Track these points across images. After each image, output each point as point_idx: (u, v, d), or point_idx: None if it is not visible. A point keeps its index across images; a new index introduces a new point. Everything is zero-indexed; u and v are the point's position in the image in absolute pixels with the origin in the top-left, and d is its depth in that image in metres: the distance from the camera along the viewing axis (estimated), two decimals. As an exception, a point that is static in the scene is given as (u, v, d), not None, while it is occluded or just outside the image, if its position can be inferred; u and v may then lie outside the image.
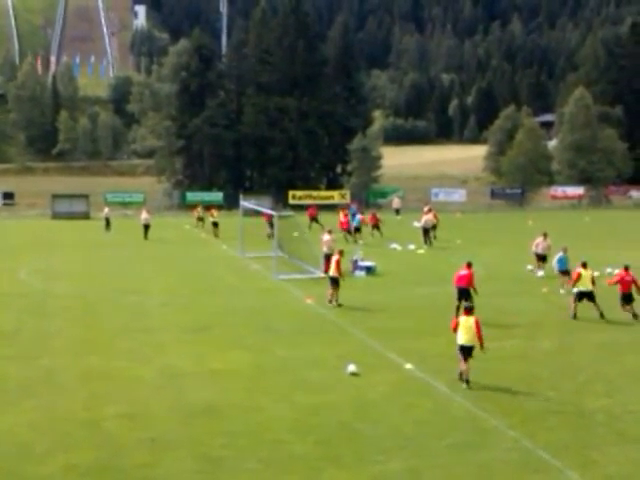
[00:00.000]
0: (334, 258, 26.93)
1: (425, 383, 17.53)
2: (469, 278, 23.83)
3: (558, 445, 13.76)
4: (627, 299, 24.35)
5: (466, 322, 17.32)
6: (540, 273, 32.25)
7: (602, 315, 24.17)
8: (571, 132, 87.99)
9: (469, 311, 17.62)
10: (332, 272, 26.64)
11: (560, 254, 28.56)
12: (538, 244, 32.61)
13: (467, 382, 17.15)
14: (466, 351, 17.23)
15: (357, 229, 44.99)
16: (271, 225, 46.61)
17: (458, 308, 22.76)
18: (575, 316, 24.30)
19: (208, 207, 56.03)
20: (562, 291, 28.00)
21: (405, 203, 70.19)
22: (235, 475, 12.66)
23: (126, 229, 51.99)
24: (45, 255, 40.20)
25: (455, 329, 17.55)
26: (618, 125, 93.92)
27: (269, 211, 42.02)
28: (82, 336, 22.31)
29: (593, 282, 24.47)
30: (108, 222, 52.64)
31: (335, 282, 26.59)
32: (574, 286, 24.56)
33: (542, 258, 32.44)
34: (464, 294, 23.53)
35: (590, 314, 24.45)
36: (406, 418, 15.28)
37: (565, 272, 28.17)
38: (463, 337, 17.28)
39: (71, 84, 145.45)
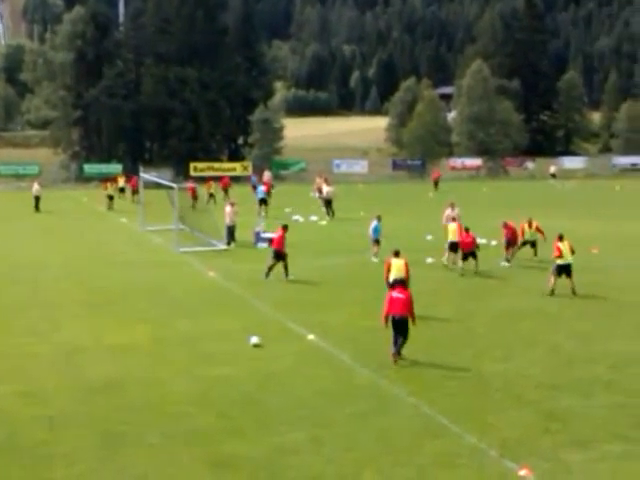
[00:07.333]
0: (278, 234, 26.22)
1: (328, 354, 17.63)
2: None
3: (457, 410, 14.05)
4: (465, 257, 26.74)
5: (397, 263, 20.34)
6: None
7: (574, 291, 23.11)
8: (469, 104, 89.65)
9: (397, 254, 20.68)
10: (276, 246, 25.94)
11: (375, 223, 29.24)
12: (448, 216, 32.71)
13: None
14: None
15: (263, 200, 44.35)
16: (195, 198, 45.65)
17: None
18: (553, 292, 23.12)
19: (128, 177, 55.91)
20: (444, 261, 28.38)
21: (308, 175, 70.27)
22: (137, 449, 12.49)
23: (20, 202, 50.46)
24: None
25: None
26: (515, 97, 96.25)
27: (189, 184, 41.38)
28: (-25, 313, 21.62)
29: (572, 252, 23.39)
30: None
31: (279, 256, 25.80)
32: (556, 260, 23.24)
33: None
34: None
35: (485, 282, 25.11)
36: (309, 388, 15.35)
37: (377, 241, 29.04)
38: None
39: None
